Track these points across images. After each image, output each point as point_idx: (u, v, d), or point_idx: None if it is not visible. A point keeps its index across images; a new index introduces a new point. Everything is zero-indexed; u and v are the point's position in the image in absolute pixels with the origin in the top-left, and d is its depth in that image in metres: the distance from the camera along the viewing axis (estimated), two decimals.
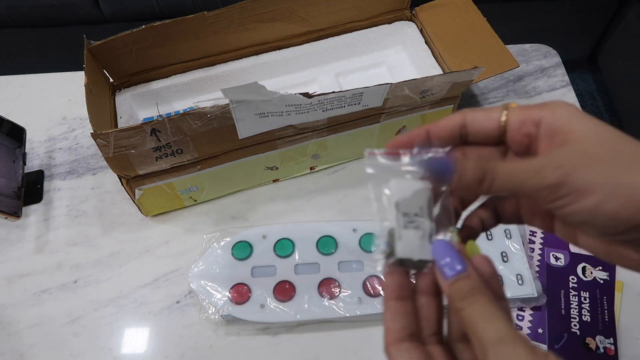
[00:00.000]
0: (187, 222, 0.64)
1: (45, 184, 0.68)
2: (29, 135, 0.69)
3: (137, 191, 0.58)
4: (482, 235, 0.58)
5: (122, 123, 0.62)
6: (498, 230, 0.59)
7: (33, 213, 0.66)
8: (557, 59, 0.80)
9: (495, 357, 0.24)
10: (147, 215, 0.64)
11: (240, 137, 0.55)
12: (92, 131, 0.49)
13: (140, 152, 0.53)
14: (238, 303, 0.55)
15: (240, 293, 0.55)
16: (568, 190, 0.25)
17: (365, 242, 0.58)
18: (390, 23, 0.72)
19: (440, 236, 0.28)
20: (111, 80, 0.65)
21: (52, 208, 0.66)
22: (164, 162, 0.56)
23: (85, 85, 0.54)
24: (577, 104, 0.75)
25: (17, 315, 0.58)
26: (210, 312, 0.55)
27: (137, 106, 0.66)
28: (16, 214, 0.61)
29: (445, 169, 0.27)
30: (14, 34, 1.41)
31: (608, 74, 1.56)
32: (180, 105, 0.68)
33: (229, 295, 0.55)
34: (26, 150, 0.68)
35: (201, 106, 0.50)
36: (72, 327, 0.57)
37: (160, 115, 0.50)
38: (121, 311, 0.58)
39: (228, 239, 0.59)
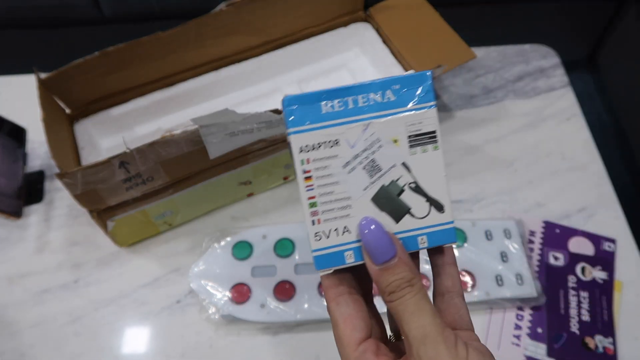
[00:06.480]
0: (187, 222, 0.64)
1: (46, 184, 0.68)
2: (29, 136, 0.69)
3: (109, 223, 0.56)
4: (482, 235, 0.59)
5: (85, 154, 0.60)
6: (498, 230, 0.60)
7: (34, 213, 0.66)
8: (556, 59, 0.81)
9: (418, 354, 0.24)
10: (121, 247, 0.62)
11: (211, 158, 0.54)
12: (58, 171, 0.47)
13: (109, 185, 0.50)
14: (238, 303, 0.55)
15: (241, 293, 0.55)
16: None
17: None
18: (346, 26, 0.72)
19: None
20: (67, 111, 0.62)
21: (53, 208, 0.66)
22: (134, 191, 0.54)
23: (43, 121, 0.52)
24: (577, 104, 0.75)
25: (17, 315, 0.58)
26: (210, 312, 0.56)
27: (98, 135, 0.64)
28: (17, 213, 0.61)
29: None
30: (14, 34, 1.42)
31: (607, 74, 1.56)
32: (143, 129, 0.66)
33: (229, 295, 0.55)
34: (27, 151, 0.68)
35: (165, 128, 0.47)
36: (73, 327, 0.57)
37: (129, 149, 0.48)
38: (122, 311, 0.58)
39: (228, 239, 0.59)
